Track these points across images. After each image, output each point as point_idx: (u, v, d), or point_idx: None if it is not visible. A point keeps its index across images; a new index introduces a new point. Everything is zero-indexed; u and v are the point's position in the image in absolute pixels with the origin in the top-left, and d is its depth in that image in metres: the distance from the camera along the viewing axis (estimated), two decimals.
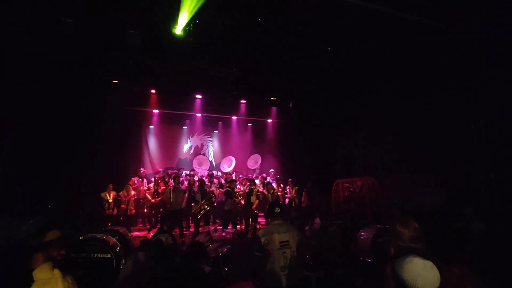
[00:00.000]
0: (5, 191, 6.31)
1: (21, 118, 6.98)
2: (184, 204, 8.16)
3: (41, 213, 6.05)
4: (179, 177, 8.78)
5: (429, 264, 1.39)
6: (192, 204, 8.21)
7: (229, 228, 8.15)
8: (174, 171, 10.39)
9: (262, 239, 2.95)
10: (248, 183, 8.94)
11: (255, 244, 3.02)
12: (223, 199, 8.44)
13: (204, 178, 9.48)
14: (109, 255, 4.38)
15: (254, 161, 12.56)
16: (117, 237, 5.13)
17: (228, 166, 12.16)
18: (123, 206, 8.11)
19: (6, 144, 6.63)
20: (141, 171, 9.38)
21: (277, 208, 3.15)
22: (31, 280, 1.56)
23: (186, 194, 8.36)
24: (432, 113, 7.62)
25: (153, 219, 8.72)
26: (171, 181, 8.45)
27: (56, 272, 1.64)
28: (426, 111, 7.79)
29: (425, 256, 1.47)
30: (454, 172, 6.98)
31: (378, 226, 5.83)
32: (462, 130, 7.07)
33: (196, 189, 8.48)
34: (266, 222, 8.22)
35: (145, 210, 8.60)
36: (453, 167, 7.03)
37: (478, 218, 4.74)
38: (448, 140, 7.28)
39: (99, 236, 4.67)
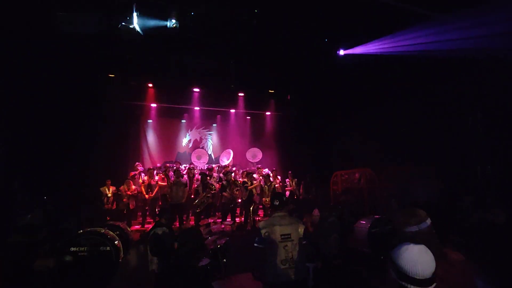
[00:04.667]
0: (3, 185, 6.33)
1: (19, 112, 6.96)
2: (185, 198, 8.17)
3: (39, 207, 6.08)
4: (180, 170, 8.79)
5: (422, 247, 1.39)
6: (192, 196, 8.24)
7: (228, 221, 8.21)
8: (171, 165, 10.39)
9: (263, 231, 2.88)
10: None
11: (255, 236, 2.96)
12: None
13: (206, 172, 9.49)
14: (108, 248, 4.41)
15: (251, 155, 12.56)
16: (117, 232, 5.17)
17: (227, 159, 12.20)
18: (124, 200, 8.12)
19: (4, 138, 6.62)
20: (137, 165, 9.37)
21: (276, 201, 3.09)
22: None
23: (187, 188, 8.38)
24: (430, 105, 7.61)
25: (150, 213, 8.77)
26: (171, 173, 8.47)
27: None
28: (425, 102, 7.77)
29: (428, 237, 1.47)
30: (451, 164, 6.99)
31: (375, 216, 5.87)
32: (459, 122, 7.06)
33: (198, 182, 8.50)
34: (269, 215, 8.25)
35: (140, 204, 8.64)
36: (451, 159, 7.05)
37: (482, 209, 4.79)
38: (446, 132, 7.28)
39: (98, 230, 4.71)
